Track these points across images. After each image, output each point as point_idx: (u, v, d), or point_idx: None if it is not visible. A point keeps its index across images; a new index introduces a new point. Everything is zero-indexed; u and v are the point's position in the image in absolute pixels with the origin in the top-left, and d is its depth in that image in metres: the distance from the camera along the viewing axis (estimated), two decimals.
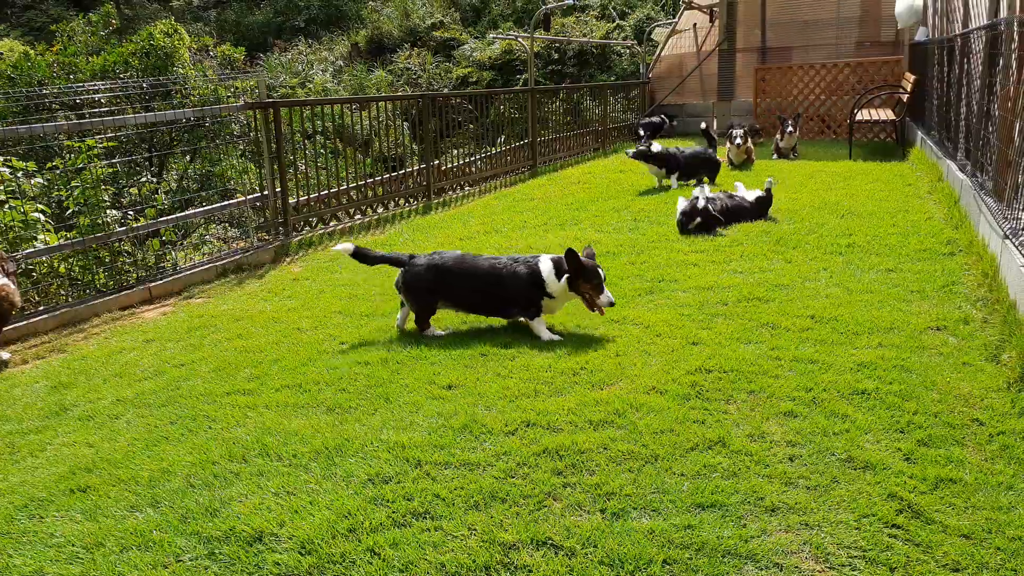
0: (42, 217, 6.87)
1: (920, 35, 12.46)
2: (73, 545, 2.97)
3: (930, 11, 12.13)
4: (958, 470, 3.11)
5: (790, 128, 12.01)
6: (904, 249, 6.29)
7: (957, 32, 8.63)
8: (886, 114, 12.79)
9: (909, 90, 12.04)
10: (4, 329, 5.49)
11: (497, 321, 5.17)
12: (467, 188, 11.45)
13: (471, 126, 13.78)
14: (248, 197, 8.33)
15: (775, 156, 12.23)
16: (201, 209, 8.66)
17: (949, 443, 3.32)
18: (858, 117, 12.50)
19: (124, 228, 7.15)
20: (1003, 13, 6.44)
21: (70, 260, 7.17)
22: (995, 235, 5.43)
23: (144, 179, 10.31)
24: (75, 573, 2.80)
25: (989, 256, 5.54)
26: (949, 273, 5.58)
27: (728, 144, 11.19)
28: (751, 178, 10.04)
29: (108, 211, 7.31)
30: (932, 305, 4.98)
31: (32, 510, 3.27)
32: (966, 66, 7.74)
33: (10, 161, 6.88)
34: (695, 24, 17.22)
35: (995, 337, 4.40)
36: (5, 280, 5.36)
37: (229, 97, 11.49)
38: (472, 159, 11.94)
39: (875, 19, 14.96)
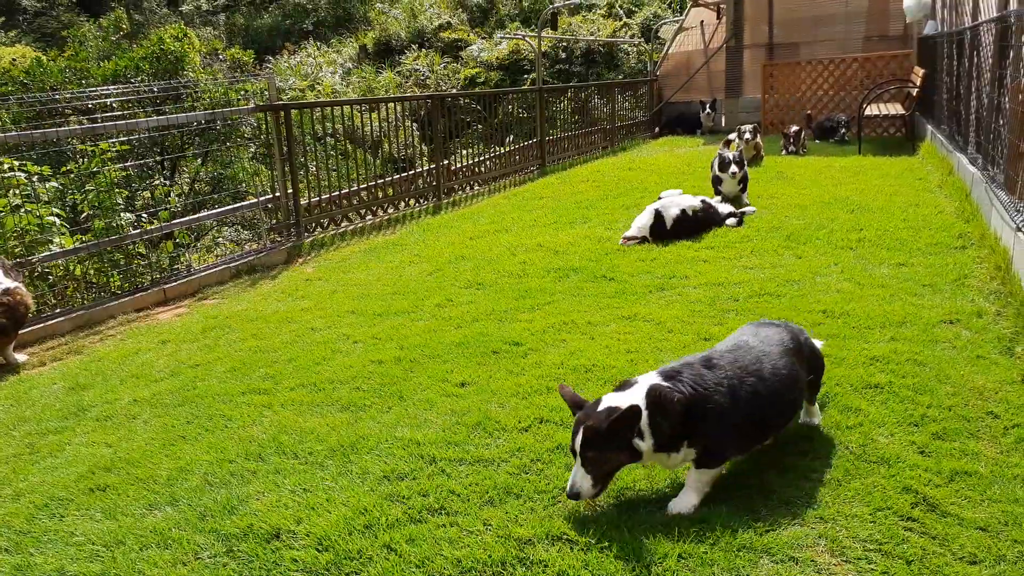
0: (57, 220, 6.93)
1: (929, 28, 12.38)
2: (93, 543, 3.01)
3: (939, 4, 12.06)
4: (973, 463, 3.10)
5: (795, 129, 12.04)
6: (915, 243, 6.26)
7: (967, 25, 8.59)
8: (895, 109, 12.73)
9: (918, 84, 11.97)
10: (20, 332, 5.55)
11: (513, 324, 5.18)
12: (476, 188, 11.47)
13: (479, 126, 13.80)
14: (260, 199, 8.38)
15: (784, 152, 12.19)
16: (214, 211, 8.72)
17: (964, 436, 3.32)
18: (867, 112, 12.44)
19: (138, 231, 7.21)
20: (1013, 5, 6.41)
21: (85, 263, 7.24)
22: (1007, 228, 5.41)
23: (157, 182, 10.38)
24: (96, 571, 2.84)
25: (1001, 249, 5.51)
26: (961, 267, 5.56)
27: (737, 140, 11.15)
28: (760, 173, 10.02)
29: (122, 214, 7.37)
30: (945, 299, 4.96)
31: (53, 509, 3.31)
32: (976, 59, 7.70)
33: (25, 165, 6.94)
34: (702, 21, 17.19)
35: (1009, 330, 4.38)
36: (18, 284, 5.42)
37: (239, 100, 11.55)
38: (481, 159, 11.97)
39: (883, 13, 14.88)
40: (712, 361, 3.00)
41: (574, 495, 2.82)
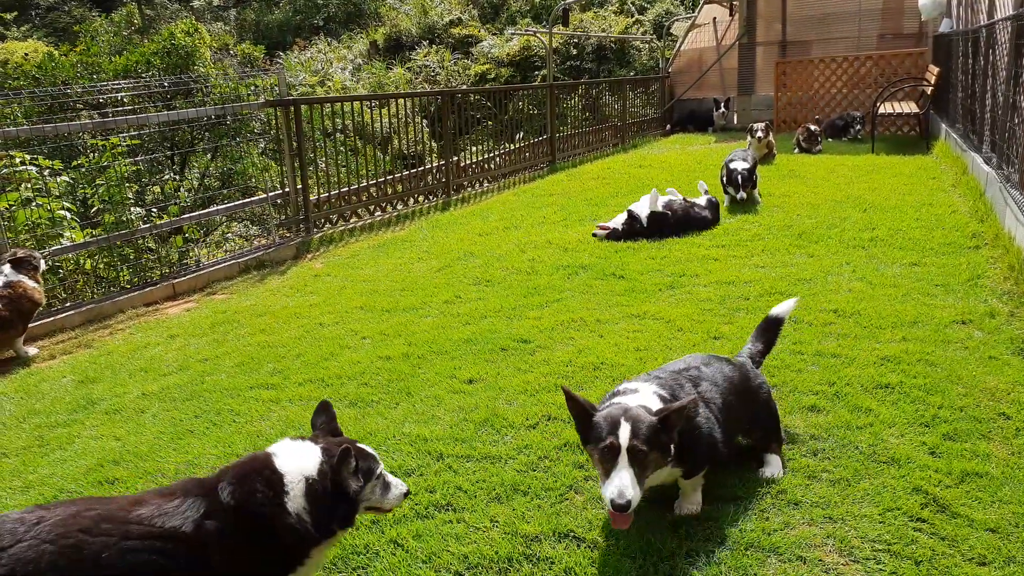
0: (68, 215, 6.97)
1: (944, 26, 12.29)
2: None
3: (954, 2, 11.96)
4: (984, 464, 3.07)
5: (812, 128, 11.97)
6: (928, 243, 6.21)
7: (982, 23, 8.51)
8: (909, 107, 12.63)
9: (933, 83, 11.88)
10: (30, 325, 5.58)
11: (524, 321, 5.17)
12: (486, 184, 11.46)
13: (490, 123, 13.79)
14: (269, 194, 8.40)
15: (796, 150, 12.12)
16: (223, 206, 8.74)
17: (975, 437, 3.28)
18: (881, 110, 12.36)
19: (148, 225, 7.24)
20: None
21: (95, 257, 7.27)
22: (1022, 227, 5.35)
23: (167, 177, 10.42)
24: None
25: (1015, 249, 5.46)
26: (974, 267, 5.51)
27: (749, 138, 11.10)
28: (772, 171, 9.97)
29: (132, 208, 7.40)
30: (957, 299, 4.92)
31: None
32: (991, 57, 7.63)
33: (36, 160, 6.98)
34: (715, 18, 17.12)
35: (1022, 331, 4.34)
36: (22, 277, 5.42)
37: (249, 95, 11.58)
38: (491, 156, 11.95)
39: (898, 11, 14.78)
40: (676, 395, 2.82)
41: (625, 504, 2.32)
